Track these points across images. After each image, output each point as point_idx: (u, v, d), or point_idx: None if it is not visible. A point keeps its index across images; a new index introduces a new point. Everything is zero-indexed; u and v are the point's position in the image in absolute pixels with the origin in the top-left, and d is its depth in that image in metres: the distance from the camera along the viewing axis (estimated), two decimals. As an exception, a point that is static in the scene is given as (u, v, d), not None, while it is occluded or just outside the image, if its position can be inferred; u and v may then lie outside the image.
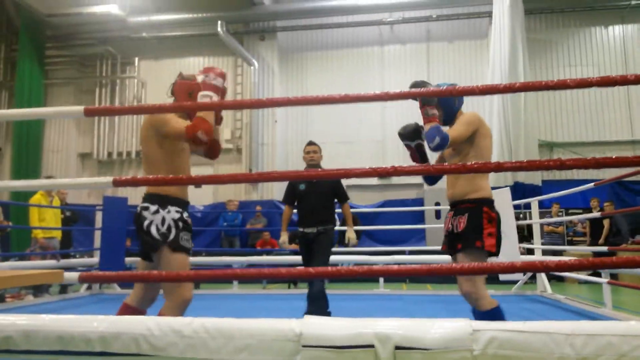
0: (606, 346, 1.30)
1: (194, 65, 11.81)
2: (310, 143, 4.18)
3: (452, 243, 2.58)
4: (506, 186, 6.65)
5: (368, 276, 1.52)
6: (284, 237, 4.22)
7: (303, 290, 7.31)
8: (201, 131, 2.20)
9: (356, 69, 11.60)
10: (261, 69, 11.25)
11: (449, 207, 2.67)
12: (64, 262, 6.49)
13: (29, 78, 11.40)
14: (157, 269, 2.33)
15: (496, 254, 2.48)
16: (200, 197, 10.54)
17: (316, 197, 4.04)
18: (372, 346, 1.32)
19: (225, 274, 1.63)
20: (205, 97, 2.26)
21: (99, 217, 6.98)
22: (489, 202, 2.52)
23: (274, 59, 11.50)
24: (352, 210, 4.44)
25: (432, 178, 2.96)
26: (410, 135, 2.54)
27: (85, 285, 6.93)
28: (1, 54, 12.16)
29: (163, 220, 2.31)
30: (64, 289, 7.13)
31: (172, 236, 2.31)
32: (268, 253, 8.28)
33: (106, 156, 11.94)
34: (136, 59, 12.10)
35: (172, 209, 2.35)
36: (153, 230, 2.29)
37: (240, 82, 11.64)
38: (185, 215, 2.41)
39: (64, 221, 7.19)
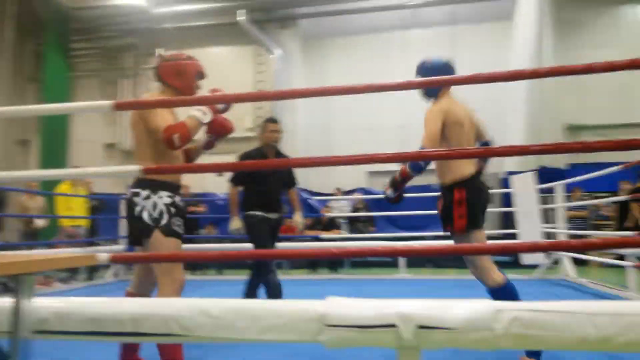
0: (629, 325, 1.29)
1: (215, 55, 11.87)
2: (274, 120, 3.82)
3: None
4: (530, 170, 6.56)
5: (389, 256, 1.54)
6: (238, 222, 3.83)
7: (323, 275, 7.40)
8: (178, 135, 2.14)
9: (379, 55, 11.49)
10: (283, 57, 11.23)
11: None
12: (91, 250, 6.67)
13: (56, 71, 11.64)
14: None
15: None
16: (221, 186, 10.64)
17: (277, 182, 3.78)
18: (394, 326, 1.34)
19: (239, 254, 1.67)
20: (198, 111, 2.25)
21: (123, 205, 7.14)
22: (461, 183, 2.52)
23: (295, 47, 11.46)
24: (374, 196, 4.39)
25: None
26: (399, 196, 2.75)
27: (111, 272, 7.12)
28: (28, 47, 12.40)
29: (155, 206, 2.28)
30: (90, 275, 7.34)
31: (164, 221, 2.28)
32: (290, 239, 8.34)
33: (130, 146, 12.15)
34: (159, 51, 12.23)
35: (164, 193, 2.31)
36: (145, 215, 2.27)
37: (262, 71, 11.66)
38: (177, 199, 2.38)
39: (90, 210, 7.37)
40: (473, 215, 2.46)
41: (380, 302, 1.42)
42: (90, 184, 7.41)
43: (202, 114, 2.25)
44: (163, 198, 2.30)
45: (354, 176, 10.95)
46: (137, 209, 2.27)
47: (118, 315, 1.46)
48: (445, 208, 2.56)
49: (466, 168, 2.54)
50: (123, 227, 7.13)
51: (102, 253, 1.67)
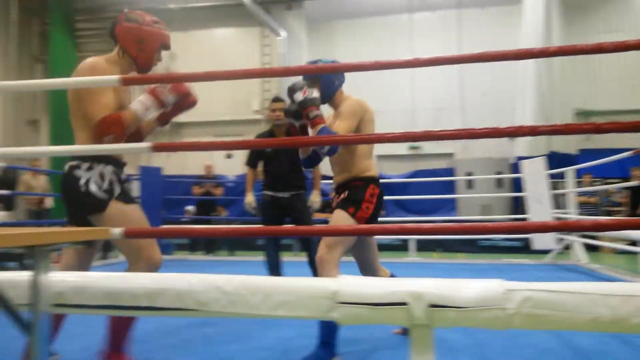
0: (643, 307, 1.29)
1: (221, 36, 11.82)
2: (276, 99, 3.81)
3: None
4: (541, 155, 6.52)
5: (399, 233, 1.54)
6: (250, 197, 4.01)
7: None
8: (110, 137, 1.93)
9: (385, 38, 11.39)
10: (289, 39, 11.15)
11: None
12: (103, 230, 6.72)
13: (62, 51, 11.62)
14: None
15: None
16: (231, 168, 10.71)
17: (284, 161, 3.82)
18: (405, 304, 1.35)
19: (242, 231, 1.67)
20: (139, 102, 2.02)
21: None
22: (375, 180, 2.55)
23: (301, 29, 11.39)
24: (383, 180, 4.34)
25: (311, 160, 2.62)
26: (295, 114, 2.40)
27: (123, 252, 7.17)
28: (34, 28, 12.39)
29: (102, 176, 1.98)
30: (104, 255, 7.41)
31: (118, 189, 2.00)
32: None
33: (139, 127, 12.17)
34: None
35: (108, 165, 2.02)
36: (93, 187, 1.95)
37: (268, 53, 11.60)
38: (123, 176, 2.09)
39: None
40: (377, 210, 2.50)
41: (392, 280, 1.43)
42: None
43: (145, 109, 2.01)
44: (109, 167, 2.01)
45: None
46: (81, 182, 1.95)
47: (133, 290, 1.48)
48: (354, 196, 2.48)
49: (374, 169, 2.59)
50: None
51: (116, 228, 1.68)
